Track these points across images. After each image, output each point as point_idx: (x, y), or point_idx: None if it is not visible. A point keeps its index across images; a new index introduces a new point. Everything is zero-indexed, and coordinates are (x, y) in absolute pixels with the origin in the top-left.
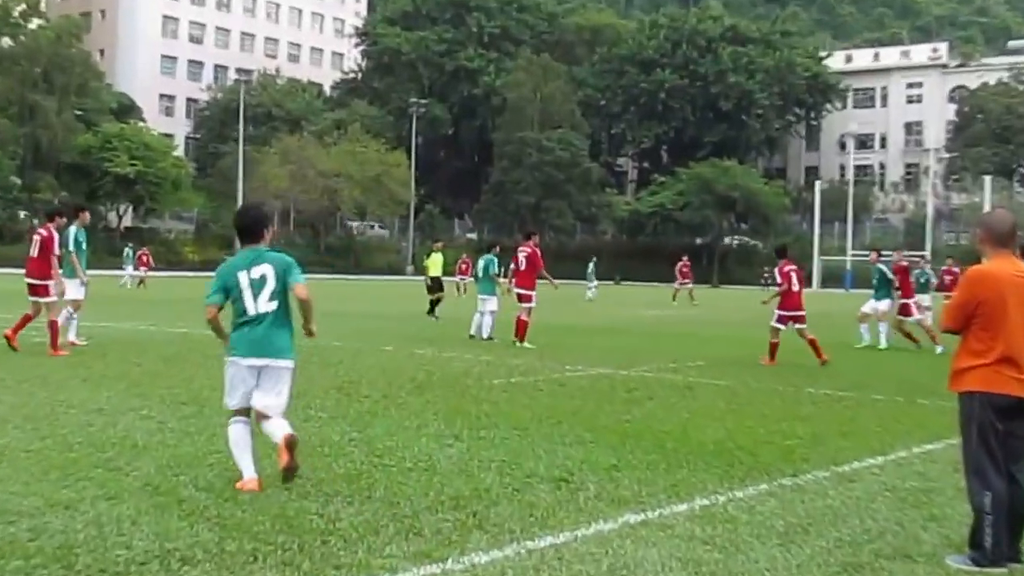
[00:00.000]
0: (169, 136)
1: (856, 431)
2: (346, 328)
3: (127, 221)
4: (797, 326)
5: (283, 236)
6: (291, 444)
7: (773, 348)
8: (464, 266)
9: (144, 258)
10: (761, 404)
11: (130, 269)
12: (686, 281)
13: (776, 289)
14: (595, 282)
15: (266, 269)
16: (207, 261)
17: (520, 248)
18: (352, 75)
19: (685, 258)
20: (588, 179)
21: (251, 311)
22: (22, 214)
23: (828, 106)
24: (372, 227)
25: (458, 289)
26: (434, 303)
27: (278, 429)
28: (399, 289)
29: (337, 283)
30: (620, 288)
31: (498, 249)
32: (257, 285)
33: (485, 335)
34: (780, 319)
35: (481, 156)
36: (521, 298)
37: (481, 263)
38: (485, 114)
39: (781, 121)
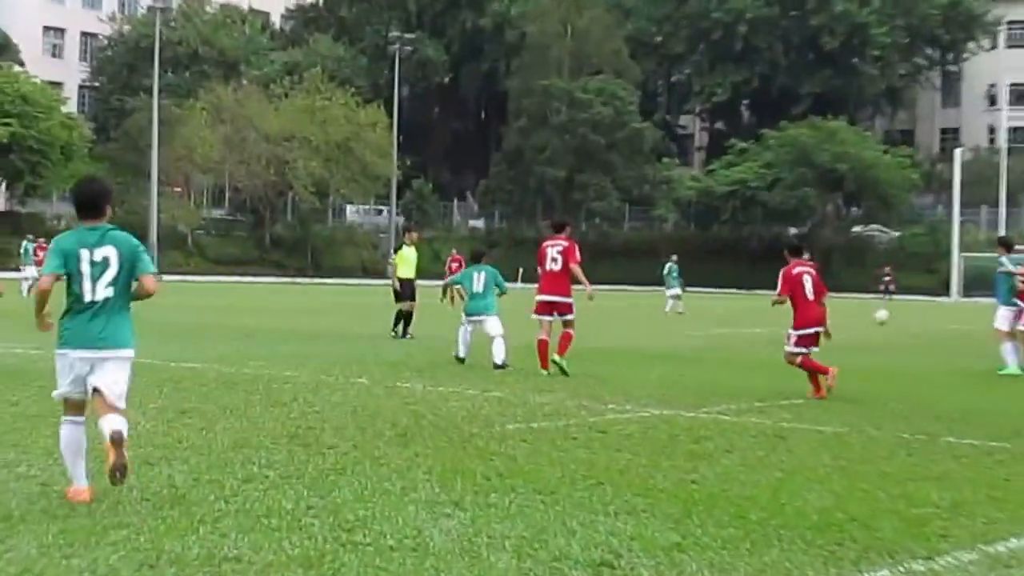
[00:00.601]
0: (57, 85)
1: (1013, 497)
2: (301, 352)
3: None
4: (812, 349)
5: (212, 225)
6: (116, 440)
7: (813, 370)
8: (456, 265)
9: (41, 253)
10: (881, 459)
11: (31, 270)
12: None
13: (776, 297)
14: (676, 289)
15: (110, 252)
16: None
17: (549, 243)
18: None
19: (805, 256)
20: (639, 145)
21: (87, 297)
22: None
23: (972, 45)
24: (342, 210)
25: (445, 295)
26: (402, 317)
27: (106, 425)
28: (375, 297)
29: (288, 289)
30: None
31: (455, 252)
32: (98, 268)
33: (499, 361)
34: (800, 342)
35: (490, 113)
36: (559, 308)
37: (482, 274)
38: (496, 54)
39: (907, 66)
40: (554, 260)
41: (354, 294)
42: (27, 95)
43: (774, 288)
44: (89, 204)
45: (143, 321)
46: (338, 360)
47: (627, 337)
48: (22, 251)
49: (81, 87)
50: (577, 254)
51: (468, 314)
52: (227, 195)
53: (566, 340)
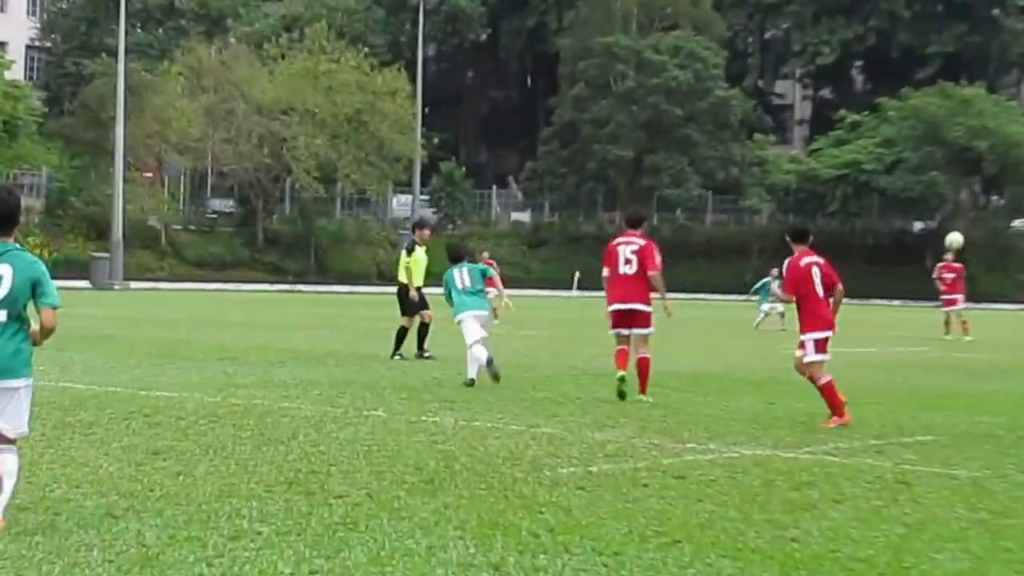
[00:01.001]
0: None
1: None
2: (302, 378)
3: None
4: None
5: (192, 219)
6: None
7: (831, 398)
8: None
9: None
10: None
11: None
12: (955, 297)
13: (779, 295)
14: (771, 304)
15: (6, 271)
16: (68, 262)
17: (622, 241)
18: None
19: (948, 257)
20: (725, 118)
21: None
22: None
23: None
24: (352, 200)
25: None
26: (405, 334)
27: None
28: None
29: (286, 299)
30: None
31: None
32: None
33: (472, 374)
34: (817, 347)
35: (538, 79)
36: (636, 319)
37: (464, 270)
38: (544, 5)
39: None
40: (628, 262)
41: (368, 305)
42: None
43: (896, 296)
44: (9, 219)
45: (106, 339)
46: (348, 387)
47: (709, 357)
48: None
49: (29, 48)
50: (657, 257)
51: (457, 315)
52: (210, 182)
53: (645, 370)
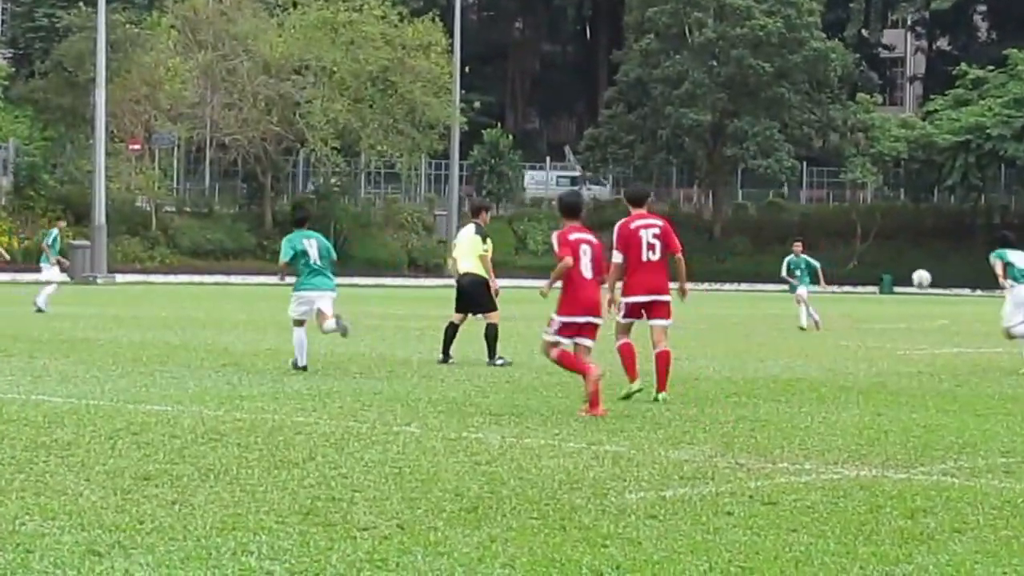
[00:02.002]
0: None
1: None
2: (319, 388)
3: None
4: None
5: (188, 199)
6: None
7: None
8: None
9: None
10: None
11: (51, 271)
12: None
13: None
14: (803, 288)
15: None
16: (34, 251)
17: (640, 223)
18: None
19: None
20: (823, 74)
21: None
22: None
23: None
24: (379, 174)
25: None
26: (454, 332)
27: None
28: (429, 305)
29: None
30: (884, 301)
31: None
32: None
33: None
34: (564, 330)
35: (598, 30)
36: (658, 310)
37: (313, 241)
38: None
39: None
40: (651, 247)
41: (399, 300)
42: None
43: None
44: None
45: (86, 343)
46: (374, 399)
47: (804, 360)
48: (49, 241)
49: None
50: (676, 238)
51: (301, 291)
52: (208, 155)
53: (667, 365)
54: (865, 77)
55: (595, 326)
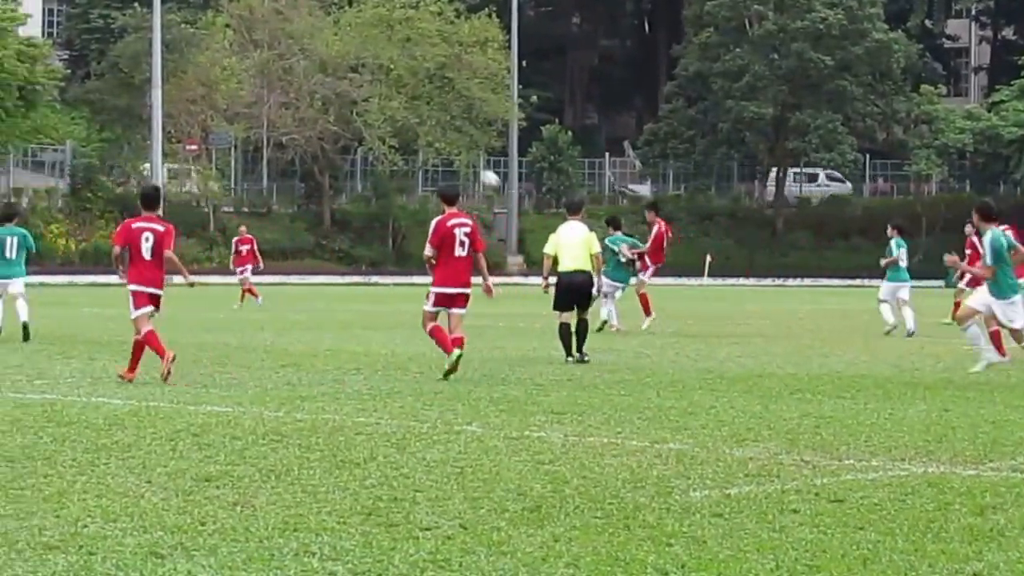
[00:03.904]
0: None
1: None
2: (380, 388)
3: None
4: None
5: (245, 200)
6: None
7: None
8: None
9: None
10: None
11: None
12: None
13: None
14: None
15: None
16: (98, 253)
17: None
18: None
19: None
20: (886, 66)
21: None
22: None
23: None
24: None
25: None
26: (572, 329)
27: None
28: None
29: (360, 293)
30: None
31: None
32: None
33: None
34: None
35: (657, 23)
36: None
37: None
38: None
39: None
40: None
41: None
42: None
43: None
44: None
45: (86, 342)
46: (435, 398)
47: (870, 355)
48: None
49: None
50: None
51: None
52: (266, 155)
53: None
54: (929, 68)
55: (466, 296)
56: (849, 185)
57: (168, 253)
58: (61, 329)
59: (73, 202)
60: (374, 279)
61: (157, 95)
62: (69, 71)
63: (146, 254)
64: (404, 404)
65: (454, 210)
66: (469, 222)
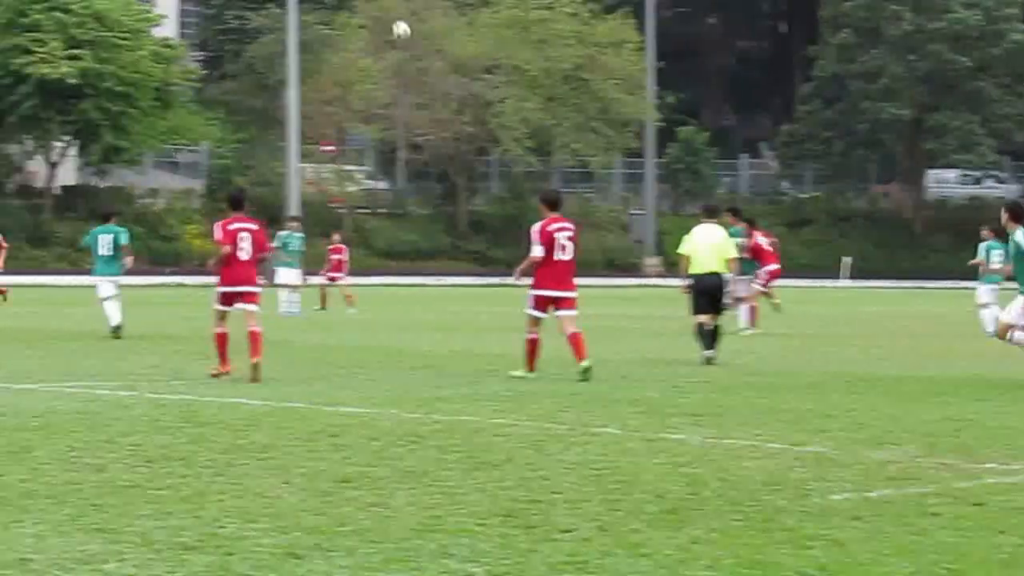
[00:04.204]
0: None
1: None
2: (517, 390)
3: (68, 175)
4: None
5: (381, 201)
6: None
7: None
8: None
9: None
10: None
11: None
12: None
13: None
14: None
15: None
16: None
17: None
18: None
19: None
20: None
21: None
22: None
23: None
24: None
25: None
26: (710, 332)
27: None
28: (625, 306)
29: (496, 294)
30: None
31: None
32: None
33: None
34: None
35: (794, 25)
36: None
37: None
38: None
39: None
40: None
41: (596, 301)
42: (104, 14)
43: None
44: None
45: (281, 345)
46: (572, 400)
47: (1010, 359)
48: (278, 244)
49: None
50: None
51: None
52: (401, 156)
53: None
54: None
55: (571, 299)
56: (1001, 186)
57: (262, 253)
58: (198, 329)
59: (209, 203)
60: (509, 280)
61: (293, 96)
62: (205, 72)
63: (242, 254)
64: (541, 406)
65: (556, 215)
66: (571, 226)
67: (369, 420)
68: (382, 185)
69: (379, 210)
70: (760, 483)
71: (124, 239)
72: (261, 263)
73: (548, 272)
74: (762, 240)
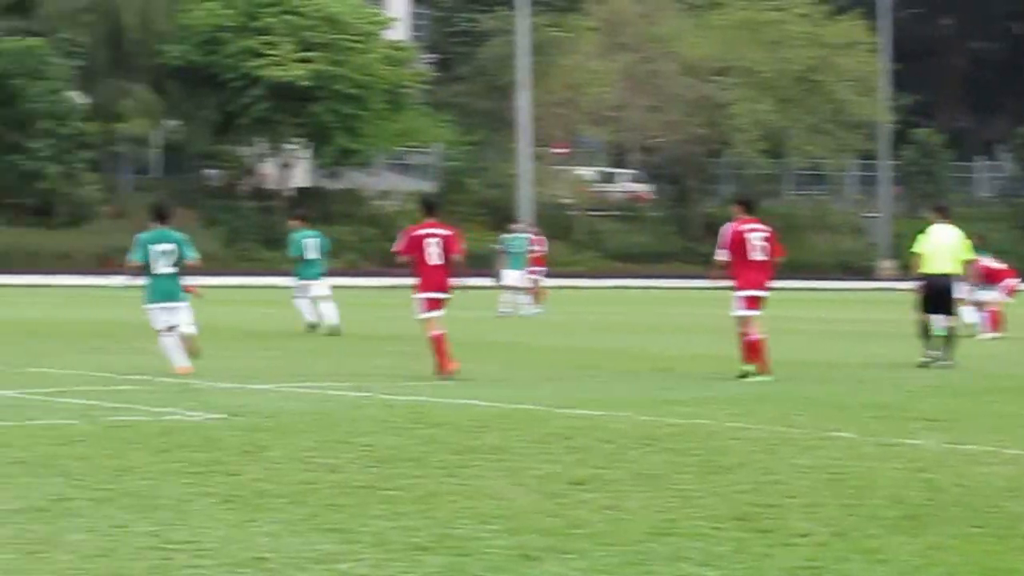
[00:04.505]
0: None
1: None
2: (752, 394)
3: (299, 177)
4: None
5: (613, 203)
6: None
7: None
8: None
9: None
10: None
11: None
12: None
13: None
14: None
15: None
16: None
17: (750, 227)
18: None
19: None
20: None
21: None
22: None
23: None
24: (802, 176)
25: None
26: (944, 335)
27: None
28: (860, 310)
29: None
30: None
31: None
32: None
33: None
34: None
35: None
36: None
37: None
38: None
39: None
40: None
41: (828, 304)
42: (336, 17)
43: None
44: None
45: (511, 347)
46: (806, 404)
47: None
48: (503, 246)
49: (417, 1)
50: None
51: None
52: (632, 159)
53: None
54: None
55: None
56: None
57: (455, 256)
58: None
59: (441, 205)
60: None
61: (524, 99)
62: (435, 74)
63: (432, 259)
64: (775, 409)
65: (749, 216)
66: (767, 229)
67: (602, 422)
68: (620, 188)
69: (612, 213)
70: (1000, 489)
71: (326, 245)
72: (454, 266)
73: (748, 273)
74: (991, 262)
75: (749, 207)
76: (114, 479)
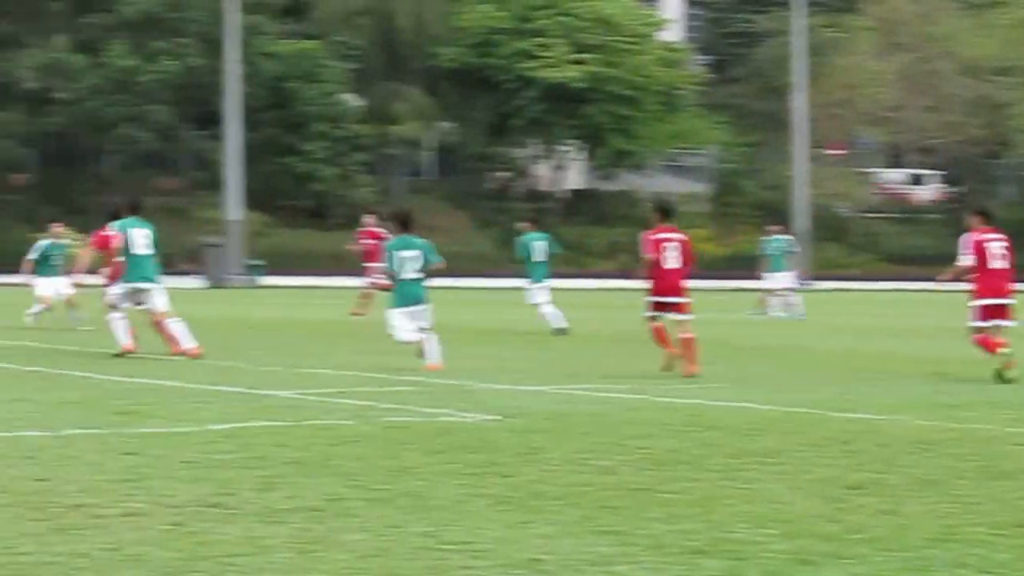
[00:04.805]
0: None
1: None
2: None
3: (572, 178)
4: None
5: (889, 204)
6: None
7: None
8: None
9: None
10: None
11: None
12: None
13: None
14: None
15: None
16: (739, 258)
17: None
18: None
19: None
20: None
21: None
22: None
23: None
24: None
25: None
26: None
27: None
28: None
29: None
30: None
31: None
32: None
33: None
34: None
35: None
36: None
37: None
38: None
39: None
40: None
41: None
42: (610, 18)
43: None
44: None
45: (786, 350)
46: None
47: None
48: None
49: (689, 2)
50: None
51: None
52: (909, 158)
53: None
54: None
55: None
56: None
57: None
58: (712, 334)
59: (716, 207)
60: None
61: (800, 100)
62: (710, 76)
63: (669, 263)
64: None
65: (989, 226)
66: (1003, 237)
67: (878, 426)
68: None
69: (891, 215)
70: None
71: (554, 247)
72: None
73: (988, 281)
74: None
75: (987, 216)
76: (389, 479)
